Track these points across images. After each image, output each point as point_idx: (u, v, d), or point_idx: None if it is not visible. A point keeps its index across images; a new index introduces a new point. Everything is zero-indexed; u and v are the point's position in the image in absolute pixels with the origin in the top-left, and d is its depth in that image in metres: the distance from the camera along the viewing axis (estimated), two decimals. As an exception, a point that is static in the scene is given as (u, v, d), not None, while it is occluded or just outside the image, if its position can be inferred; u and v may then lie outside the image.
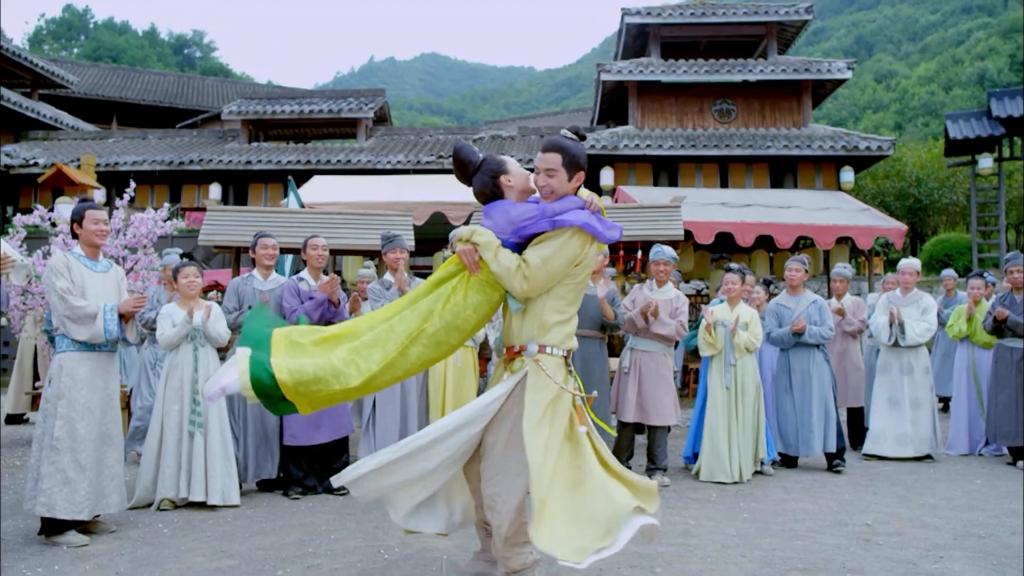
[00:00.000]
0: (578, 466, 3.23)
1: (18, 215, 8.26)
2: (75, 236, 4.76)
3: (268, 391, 3.18)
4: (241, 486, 5.63)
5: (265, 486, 5.94)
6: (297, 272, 11.39)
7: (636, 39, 17.26)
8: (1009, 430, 6.74)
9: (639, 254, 8.45)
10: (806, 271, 6.86)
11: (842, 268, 7.62)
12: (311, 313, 5.65)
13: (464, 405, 3.48)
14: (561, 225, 3.23)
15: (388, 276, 6.35)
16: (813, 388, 6.58)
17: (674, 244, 7.47)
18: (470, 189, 3.47)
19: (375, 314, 3.40)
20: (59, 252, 4.68)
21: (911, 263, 7.34)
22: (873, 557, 4.12)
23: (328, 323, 5.79)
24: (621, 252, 9.10)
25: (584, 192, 3.36)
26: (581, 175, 3.34)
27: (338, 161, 15.97)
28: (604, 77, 16.00)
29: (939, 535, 4.55)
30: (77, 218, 4.66)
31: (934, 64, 43.70)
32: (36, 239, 10.15)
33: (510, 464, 3.23)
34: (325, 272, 6.14)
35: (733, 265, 6.50)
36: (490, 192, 3.40)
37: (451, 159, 3.46)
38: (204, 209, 15.96)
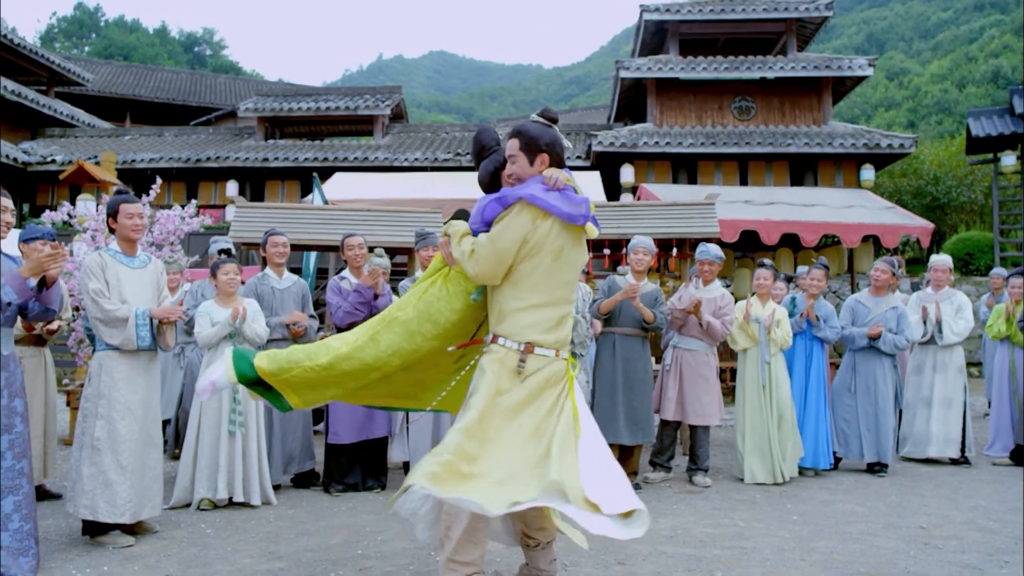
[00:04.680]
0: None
1: (47, 211, 8.20)
2: (112, 231, 4.65)
3: (252, 381, 3.40)
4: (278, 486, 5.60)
5: (301, 482, 5.88)
6: (323, 269, 11.40)
7: (654, 36, 17.16)
8: None
9: (673, 252, 8.35)
10: (894, 274, 6.71)
11: (944, 258, 7.26)
12: (357, 308, 5.57)
13: None
14: (508, 203, 3.12)
15: (420, 274, 6.27)
16: (879, 393, 6.47)
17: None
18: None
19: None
20: (94, 252, 4.57)
21: (943, 260, 7.21)
22: (935, 561, 4.03)
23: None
24: (657, 250, 9.02)
25: (548, 170, 3.17)
26: (544, 157, 3.17)
27: (355, 158, 15.90)
28: (622, 74, 15.88)
29: (998, 539, 4.46)
30: (111, 212, 4.52)
31: (947, 62, 43.42)
32: (60, 236, 10.09)
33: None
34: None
35: (766, 261, 6.41)
36: (488, 181, 3.35)
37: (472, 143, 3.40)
38: (222, 206, 16.03)
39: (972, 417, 7.12)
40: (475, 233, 3.23)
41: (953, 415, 6.90)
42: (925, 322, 6.94)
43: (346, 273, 5.86)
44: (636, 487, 5.79)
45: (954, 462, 6.91)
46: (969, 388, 7.14)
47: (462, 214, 3.45)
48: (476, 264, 3.09)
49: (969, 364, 12.81)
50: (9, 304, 3.77)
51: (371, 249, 8.20)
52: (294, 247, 8.33)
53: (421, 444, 5.83)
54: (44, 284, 4.01)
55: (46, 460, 5.44)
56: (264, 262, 6.00)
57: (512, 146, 3.18)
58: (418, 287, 3.38)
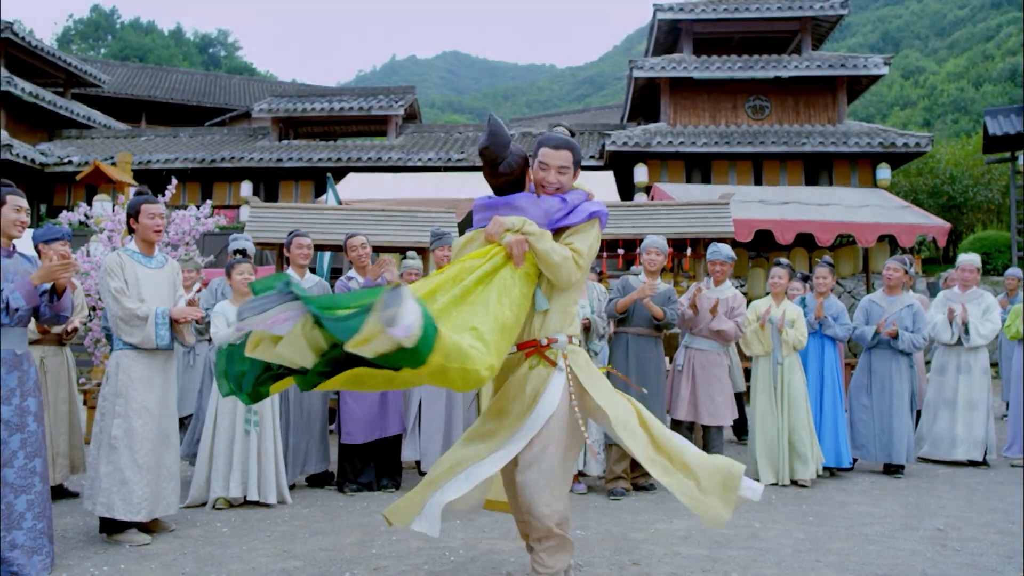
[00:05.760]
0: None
1: (63, 212, 8.27)
2: (131, 231, 4.69)
3: (417, 351, 2.52)
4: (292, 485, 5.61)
5: (316, 482, 5.91)
6: (337, 269, 11.44)
7: (668, 35, 17.12)
8: None
9: (688, 251, 8.31)
10: (907, 272, 6.65)
11: (972, 257, 7.17)
12: None
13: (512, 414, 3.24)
14: (595, 216, 3.29)
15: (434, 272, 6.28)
16: (894, 394, 6.42)
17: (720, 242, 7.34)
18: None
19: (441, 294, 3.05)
20: (113, 251, 4.62)
21: (971, 259, 7.13)
22: (954, 564, 4.00)
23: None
24: (671, 250, 8.99)
25: (585, 185, 3.44)
26: (579, 171, 3.43)
27: (368, 159, 15.96)
28: (636, 74, 15.86)
29: (1017, 541, 4.42)
30: (133, 212, 4.57)
31: (963, 60, 43.04)
32: (76, 237, 10.18)
33: (558, 453, 3.14)
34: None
35: (782, 260, 6.38)
36: (517, 176, 3.34)
37: (488, 132, 3.34)
38: (237, 206, 16.11)
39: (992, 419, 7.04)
40: None
41: (978, 417, 6.83)
42: (952, 323, 6.88)
43: (352, 273, 5.88)
44: (649, 487, 5.77)
45: (972, 463, 6.86)
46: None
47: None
48: (578, 272, 3.21)
49: (986, 365, 12.70)
50: (16, 310, 3.79)
51: (380, 250, 8.24)
52: (308, 247, 8.38)
53: (432, 443, 5.85)
54: (55, 291, 4.02)
55: (73, 458, 5.48)
56: (284, 262, 6.02)
57: (565, 158, 3.29)
58: (495, 286, 3.10)
